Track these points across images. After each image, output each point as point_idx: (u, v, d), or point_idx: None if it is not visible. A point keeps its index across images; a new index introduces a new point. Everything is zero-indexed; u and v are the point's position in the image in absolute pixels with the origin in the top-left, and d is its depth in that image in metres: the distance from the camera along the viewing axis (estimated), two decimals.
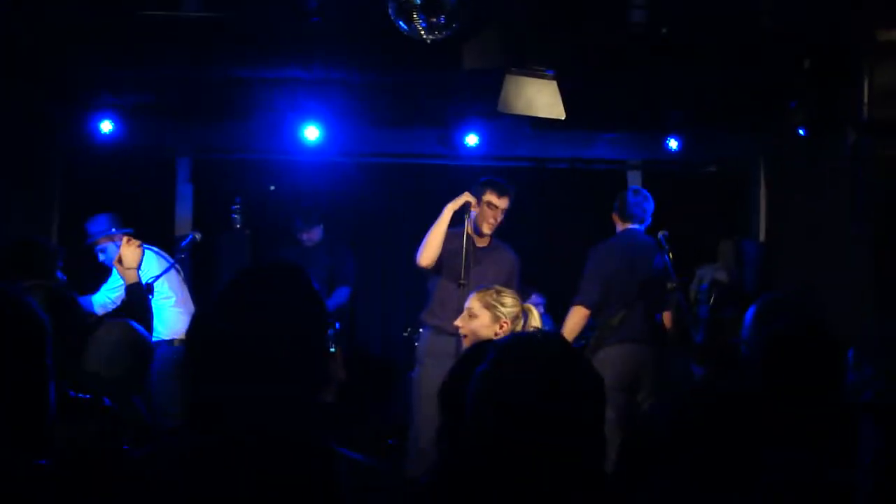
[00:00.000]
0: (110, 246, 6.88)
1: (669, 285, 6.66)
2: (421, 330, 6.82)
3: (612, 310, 6.67)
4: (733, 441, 2.16)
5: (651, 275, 6.72)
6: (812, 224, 7.66)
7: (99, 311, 6.91)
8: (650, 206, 6.95)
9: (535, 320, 4.89)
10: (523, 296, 8.08)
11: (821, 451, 2.66)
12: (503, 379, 2.09)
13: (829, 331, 3.22)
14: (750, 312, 4.05)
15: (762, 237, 8.71)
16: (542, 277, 8.57)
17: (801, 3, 5.92)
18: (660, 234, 6.86)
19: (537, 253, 9.10)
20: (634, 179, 9.27)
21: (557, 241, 9.05)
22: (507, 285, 5.87)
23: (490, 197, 6.47)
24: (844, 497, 2.58)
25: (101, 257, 7.06)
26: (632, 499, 2.25)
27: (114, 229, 6.99)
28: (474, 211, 6.44)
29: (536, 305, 8.33)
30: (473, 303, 4.84)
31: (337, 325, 8.11)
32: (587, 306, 6.63)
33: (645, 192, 7.02)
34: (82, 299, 7.00)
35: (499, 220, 6.53)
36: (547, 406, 2.04)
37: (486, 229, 6.51)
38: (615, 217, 6.94)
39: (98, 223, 7.05)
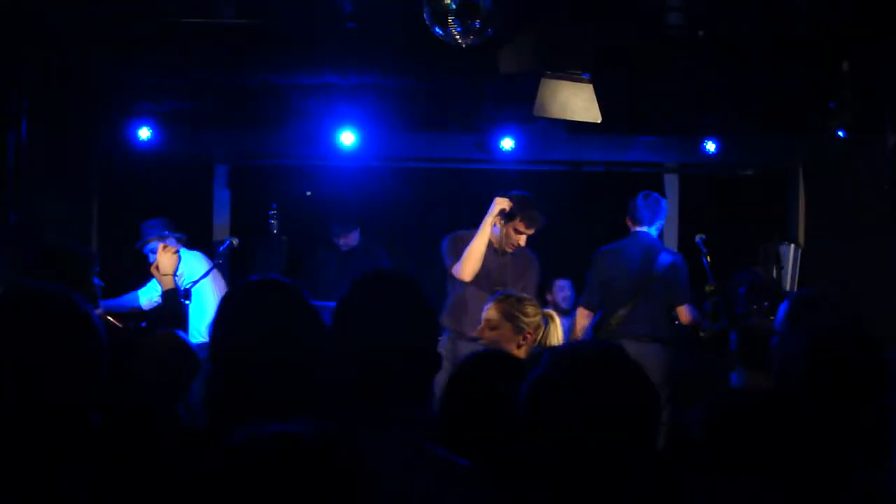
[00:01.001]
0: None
1: (707, 288, 6.72)
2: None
3: (613, 309, 6.83)
4: (774, 445, 2.13)
5: (654, 275, 6.78)
6: (852, 227, 7.59)
7: (145, 304, 7.11)
8: (659, 209, 7.01)
9: (557, 327, 4.76)
10: (546, 287, 8.08)
11: (859, 453, 2.62)
12: (558, 387, 2.07)
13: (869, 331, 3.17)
14: (783, 307, 4.01)
15: (801, 240, 8.63)
16: (579, 278, 8.53)
17: (839, 5, 5.86)
18: (697, 238, 6.90)
19: (573, 257, 9.08)
20: (671, 183, 9.23)
21: (593, 245, 9.00)
22: (525, 289, 5.92)
23: (519, 225, 6.43)
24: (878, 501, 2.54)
25: (152, 258, 7.12)
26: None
27: (166, 232, 7.06)
28: (508, 218, 6.41)
29: (562, 290, 8.41)
30: (492, 313, 4.64)
31: None
32: (587, 308, 6.95)
33: (655, 195, 7.06)
34: (129, 294, 7.10)
35: (522, 244, 6.48)
36: (600, 416, 2.02)
37: (508, 249, 6.46)
38: (627, 221, 7.03)
39: (153, 226, 7.12)
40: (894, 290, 6.76)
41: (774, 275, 8.32)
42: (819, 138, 7.80)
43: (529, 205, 6.46)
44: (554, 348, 2.19)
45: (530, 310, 4.67)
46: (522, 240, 6.46)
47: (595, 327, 6.96)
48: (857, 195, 7.48)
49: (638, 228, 6.97)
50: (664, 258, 6.85)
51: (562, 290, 8.69)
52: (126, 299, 7.14)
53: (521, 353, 4.51)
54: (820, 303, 4.03)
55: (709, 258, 6.85)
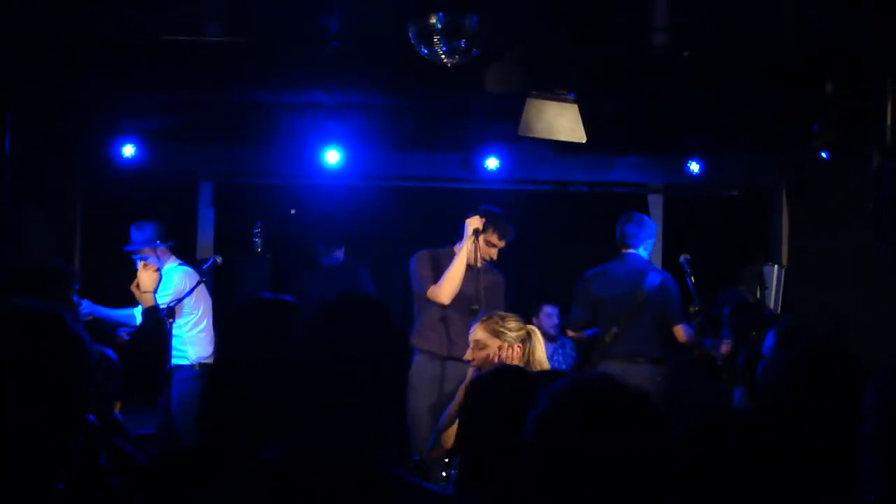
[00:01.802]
0: (151, 257, 6.90)
1: (692, 309, 6.73)
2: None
3: (605, 329, 6.88)
4: (754, 466, 2.12)
5: (642, 296, 6.82)
6: (835, 248, 7.61)
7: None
8: (645, 229, 7.03)
9: (539, 341, 4.84)
10: (533, 311, 8.13)
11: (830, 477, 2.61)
12: (559, 423, 2.05)
13: (853, 355, 3.18)
14: (771, 334, 4.03)
15: (784, 261, 8.65)
16: (561, 296, 8.54)
17: (823, 27, 5.90)
18: (682, 258, 6.91)
19: (559, 276, 9.08)
20: (655, 203, 9.25)
21: (578, 264, 9.00)
22: (498, 306, 6.00)
23: (492, 237, 6.42)
24: None
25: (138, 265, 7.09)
26: None
27: (158, 241, 7.01)
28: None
29: (550, 317, 8.41)
30: (479, 333, 4.77)
31: None
32: (572, 328, 7.15)
33: (640, 216, 7.10)
34: (126, 311, 7.04)
35: (494, 257, 6.48)
36: (605, 450, 2.00)
37: (479, 264, 6.41)
38: (616, 243, 7.08)
39: (143, 231, 7.06)
40: (877, 310, 6.77)
41: (758, 295, 8.34)
42: (802, 159, 7.83)
43: (501, 217, 6.47)
44: (555, 386, 2.15)
45: (513, 325, 4.79)
46: (495, 253, 6.46)
47: (590, 348, 7.06)
48: (841, 216, 7.50)
49: (626, 250, 7.01)
50: (652, 278, 6.88)
51: (549, 317, 8.64)
52: (122, 314, 7.05)
53: (517, 358, 4.67)
54: (805, 330, 4.05)
55: (693, 279, 6.86)
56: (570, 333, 7.30)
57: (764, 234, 9.05)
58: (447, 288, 6.35)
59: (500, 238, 6.44)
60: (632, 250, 6.99)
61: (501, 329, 4.74)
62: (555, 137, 6.67)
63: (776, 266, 8.47)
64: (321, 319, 2.28)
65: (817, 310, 7.61)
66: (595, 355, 6.98)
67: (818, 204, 8.04)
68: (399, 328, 2.33)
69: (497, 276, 6.59)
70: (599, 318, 6.94)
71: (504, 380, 2.89)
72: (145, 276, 5.35)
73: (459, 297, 6.37)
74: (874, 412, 2.45)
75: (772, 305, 8.31)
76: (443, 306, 6.39)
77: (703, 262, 7.20)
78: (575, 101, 6.57)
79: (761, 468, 2.10)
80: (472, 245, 6.37)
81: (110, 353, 4.15)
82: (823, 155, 7.21)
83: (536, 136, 6.66)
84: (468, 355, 4.85)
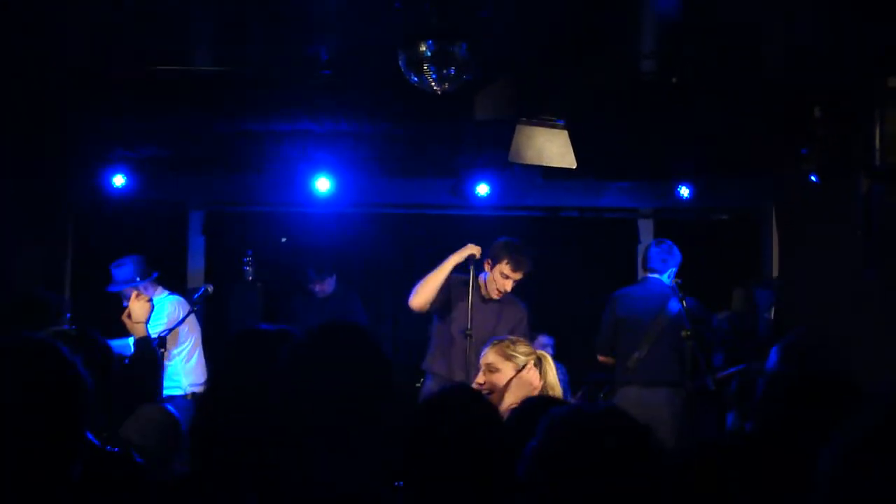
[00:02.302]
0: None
1: (684, 333, 6.73)
2: (424, 378, 6.76)
3: (627, 354, 6.88)
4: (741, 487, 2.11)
5: (665, 321, 6.87)
6: (825, 271, 7.63)
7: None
8: (672, 258, 7.09)
9: (551, 366, 4.83)
10: (530, 339, 8.14)
11: None
12: (558, 455, 2.03)
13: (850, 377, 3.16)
14: (773, 353, 4.03)
15: (775, 283, 8.66)
16: (554, 324, 8.55)
17: (811, 51, 5.93)
18: (673, 282, 6.92)
19: (549, 300, 9.09)
20: (646, 228, 9.27)
21: (569, 288, 9.03)
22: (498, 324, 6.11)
23: (505, 268, 6.33)
24: None
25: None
26: None
27: (138, 279, 6.97)
28: (478, 266, 6.40)
29: (545, 347, 8.37)
30: (491, 357, 4.71)
31: None
32: (600, 352, 7.07)
33: (669, 243, 7.16)
34: (119, 341, 7.00)
35: (509, 290, 6.39)
36: (603, 482, 1.98)
37: (495, 295, 6.38)
38: (641, 267, 7.12)
39: (124, 271, 7.00)
40: (867, 332, 6.78)
41: (749, 317, 8.35)
42: (792, 183, 7.86)
43: (516, 248, 6.37)
44: (551, 415, 2.12)
45: (523, 348, 4.75)
46: (509, 285, 6.36)
47: (613, 373, 7.09)
48: (830, 239, 7.52)
49: (649, 275, 7.07)
50: (674, 303, 6.89)
51: (544, 347, 8.59)
52: (116, 345, 7.01)
53: (536, 380, 4.63)
54: (804, 350, 4.05)
55: (684, 302, 6.87)
56: (602, 359, 7.19)
57: (754, 257, 9.07)
58: (418, 293, 6.33)
59: (514, 270, 6.33)
60: (656, 275, 7.03)
61: (512, 353, 4.69)
62: (545, 163, 6.68)
63: (767, 289, 8.48)
64: (304, 346, 2.29)
65: (807, 332, 7.61)
66: (616, 379, 6.99)
67: (807, 227, 8.06)
68: (384, 355, 2.33)
69: (520, 307, 6.55)
70: (620, 340, 6.95)
71: (455, 404, 2.79)
72: (137, 307, 5.32)
73: (458, 320, 6.37)
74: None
75: (763, 328, 8.32)
76: (446, 329, 6.39)
77: (695, 286, 7.22)
78: (565, 127, 6.59)
79: (754, 493, 2.09)
80: (487, 270, 6.35)
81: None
82: (812, 178, 7.23)
83: (526, 162, 6.68)
84: (479, 379, 4.82)
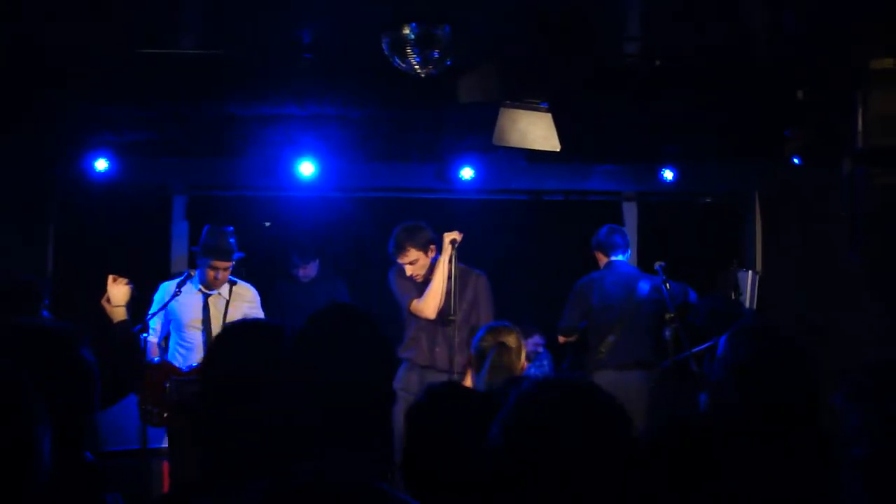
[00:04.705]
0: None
1: (667, 316, 6.78)
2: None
3: (600, 339, 7.00)
4: (699, 474, 2.10)
5: (637, 303, 6.94)
6: (808, 254, 7.66)
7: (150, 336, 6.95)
8: (627, 240, 7.40)
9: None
10: (525, 335, 8.20)
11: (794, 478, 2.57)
12: (527, 429, 2.02)
13: (807, 357, 3.11)
14: (722, 340, 4.03)
15: (759, 267, 8.70)
16: (538, 308, 8.56)
17: (794, 33, 5.94)
18: (657, 265, 6.96)
19: (532, 284, 9.12)
20: (630, 211, 9.28)
21: (553, 272, 9.03)
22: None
23: (433, 251, 6.60)
24: None
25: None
26: None
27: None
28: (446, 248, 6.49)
29: (537, 346, 8.33)
30: (513, 339, 4.92)
31: None
32: (565, 335, 7.26)
33: (620, 227, 7.46)
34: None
35: (412, 273, 6.58)
36: (570, 456, 1.98)
37: (419, 280, 6.57)
38: (598, 255, 7.20)
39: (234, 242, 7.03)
40: (850, 316, 6.82)
41: (733, 300, 8.39)
42: (775, 166, 7.88)
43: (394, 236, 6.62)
44: (521, 388, 2.13)
45: (511, 338, 4.93)
46: (409, 269, 6.56)
47: (585, 357, 7.21)
48: (813, 221, 7.55)
49: (612, 258, 7.12)
50: (644, 283, 6.99)
51: (535, 346, 8.53)
52: None
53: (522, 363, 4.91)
54: (762, 330, 4.05)
55: (667, 285, 6.90)
56: (561, 340, 7.33)
57: (738, 241, 9.09)
58: (431, 302, 6.42)
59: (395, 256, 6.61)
60: (619, 257, 7.12)
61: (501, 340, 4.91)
62: (529, 146, 6.69)
63: (750, 272, 8.51)
64: (309, 332, 2.27)
65: (791, 315, 7.65)
66: (589, 364, 7.04)
67: (791, 210, 8.09)
68: (387, 338, 2.32)
69: (475, 275, 6.62)
70: (592, 325, 7.00)
71: (447, 404, 2.84)
72: (115, 290, 5.30)
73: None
74: (865, 435, 2.37)
75: (746, 312, 8.35)
76: (425, 319, 6.45)
77: (678, 269, 7.25)
78: (548, 110, 6.59)
79: (713, 472, 2.08)
80: (450, 257, 6.41)
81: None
82: (796, 161, 7.25)
83: (511, 145, 6.68)
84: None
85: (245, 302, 6.91)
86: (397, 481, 2.58)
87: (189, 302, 6.91)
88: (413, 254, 6.48)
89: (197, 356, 6.77)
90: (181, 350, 6.94)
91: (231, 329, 2.64)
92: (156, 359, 6.86)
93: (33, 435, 1.97)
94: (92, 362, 2.30)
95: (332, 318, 2.29)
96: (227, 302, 6.92)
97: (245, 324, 2.74)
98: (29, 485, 1.94)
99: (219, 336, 2.62)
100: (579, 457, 1.94)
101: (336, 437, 2.13)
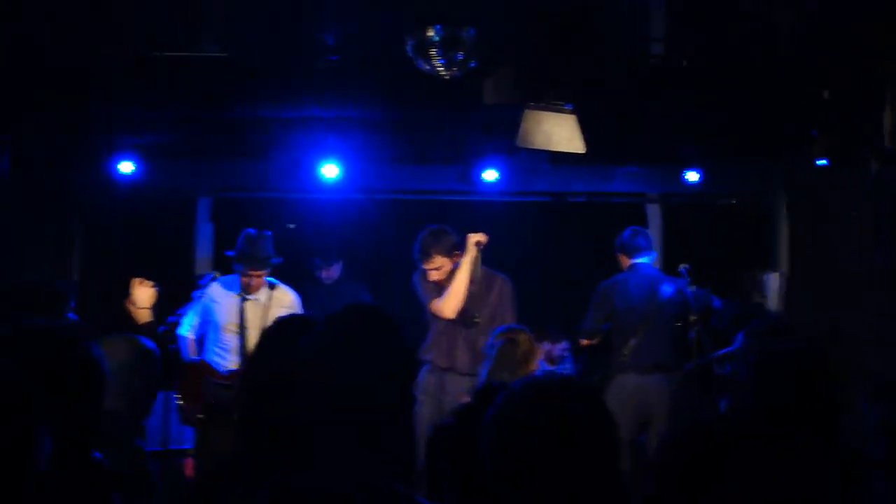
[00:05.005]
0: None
1: (692, 318, 6.75)
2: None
3: (623, 341, 6.94)
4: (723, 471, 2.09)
5: (659, 306, 6.91)
6: (835, 255, 7.60)
7: (186, 334, 6.99)
8: (650, 242, 7.33)
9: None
10: (553, 340, 8.19)
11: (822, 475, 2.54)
12: (511, 423, 2.02)
13: (832, 357, 3.08)
14: (739, 337, 4.00)
15: (785, 268, 8.64)
16: (560, 310, 8.52)
17: (821, 34, 5.90)
18: (681, 268, 6.92)
19: (555, 286, 9.08)
20: (654, 212, 9.24)
21: (576, 274, 9.00)
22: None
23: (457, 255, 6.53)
24: None
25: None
26: None
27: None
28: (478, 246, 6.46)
29: (565, 351, 8.29)
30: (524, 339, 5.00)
31: None
32: (588, 337, 7.18)
33: (644, 230, 7.40)
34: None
35: (434, 279, 6.52)
36: (556, 449, 1.97)
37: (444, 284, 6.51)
38: (621, 257, 7.17)
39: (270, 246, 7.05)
40: (877, 318, 6.76)
41: (759, 303, 8.34)
42: (801, 167, 7.83)
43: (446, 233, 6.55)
44: (508, 387, 2.13)
45: (523, 337, 5.06)
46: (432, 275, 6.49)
47: (608, 360, 7.15)
48: (840, 223, 7.49)
49: (636, 261, 7.08)
50: (667, 286, 6.96)
51: (561, 351, 8.47)
52: None
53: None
54: (771, 330, 4.02)
55: (692, 287, 6.87)
56: (584, 342, 7.29)
57: (763, 242, 9.03)
58: (452, 303, 6.38)
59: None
60: (642, 260, 7.08)
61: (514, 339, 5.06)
62: (553, 148, 6.66)
63: (776, 274, 8.46)
64: (329, 331, 2.26)
65: (816, 317, 7.60)
66: (612, 367, 7.02)
67: (817, 211, 8.04)
68: (407, 339, 2.31)
69: (501, 281, 6.60)
70: (615, 328, 6.97)
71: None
72: (140, 292, 5.32)
73: (460, 311, 6.40)
74: (885, 435, 2.36)
75: (770, 314, 8.30)
76: (450, 321, 6.42)
77: (703, 272, 7.21)
78: (573, 112, 6.57)
79: (726, 476, 2.06)
80: (475, 259, 6.39)
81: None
82: (822, 162, 7.20)
83: (535, 147, 6.66)
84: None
85: (284, 307, 6.88)
86: (419, 484, 2.57)
87: (226, 304, 6.92)
88: (438, 260, 6.45)
89: (233, 359, 6.78)
90: (218, 352, 6.96)
91: (277, 325, 2.64)
92: (195, 357, 6.90)
93: (33, 435, 1.97)
94: (97, 361, 2.29)
95: (349, 319, 2.28)
96: (265, 306, 6.92)
97: (293, 319, 2.73)
98: (28, 484, 1.95)
99: (265, 331, 2.62)
100: (557, 456, 1.94)
101: (352, 438, 2.12)
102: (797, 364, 2.98)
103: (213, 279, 6.88)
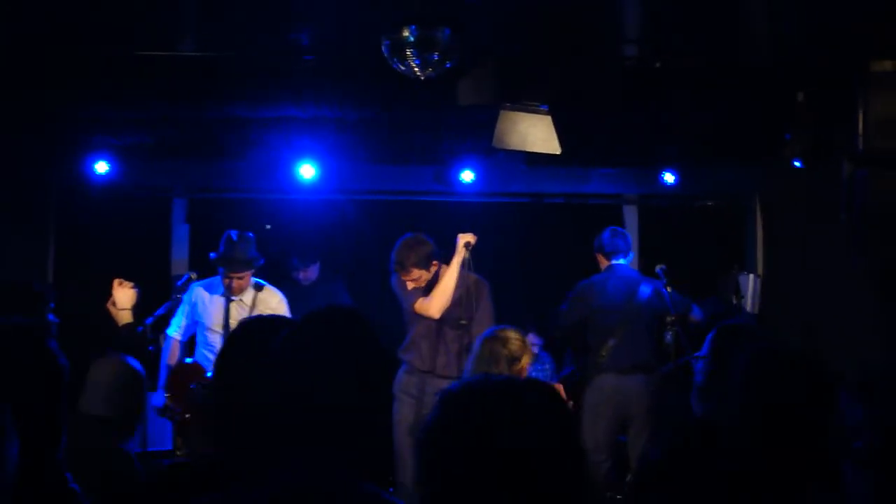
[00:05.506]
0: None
1: (668, 318, 6.78)
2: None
3: (601, 342, 6.97)
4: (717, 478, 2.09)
5: (638, 306, 6.93)
6: (810, 256, 7.64)
7: (173, 335, 7.05)
8: (628, 243, 7.37)
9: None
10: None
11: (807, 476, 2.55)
12: (449, 427, 1.97)
13: (819, 360, 3.10)
14: (706, 342, 4.00)
15: (760, 270, 8.69)
16: (538, 311, 8.54)
17: (795, 36, 5.93)
18: (658, 268, 6.96)
19: (532, 287, 9.10)
20: (630, 214, 9.27)
21: (553, 275, 9.02)
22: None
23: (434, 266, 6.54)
24: None
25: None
26: None
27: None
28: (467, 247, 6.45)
29: (533, 346, 8.31)
30: (484, 351, 5.00)
31: None
32: (560, 332, 7.36)
33: (622, 230, 7.43)
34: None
35: (413, 286, 6.52)
36: (493, 460, 1.91)
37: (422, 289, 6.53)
38: (599, 258, 7.18)
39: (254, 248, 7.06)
40: (852, 317, 6.80)
41: (735, 304, 8.38)
42: (776, 168, 7.87)
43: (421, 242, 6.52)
44: (446, 389, 2.06)
45: (513, 337, 5.12)
46: (410, 283, 6.50)
47: (585, 361, 7.21)
48: (814, 224, 7.53)
49: (613, 262, 7.10)
50: (645, 287, 6.98)
51: (532, 346, 8.49)
52: None
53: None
54: (743, 334, 4.03)
55: (669, 288, 6.90)
56: (555, 337, 7.34)
57: (739, 244, 9.08)
58: (438, 302, 6.37)
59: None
60: (620, 261, 7.11)
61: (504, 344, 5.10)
62: (529, 149, 6.66)
63: (752, 275, 8.50)
64: (305, 331, 2.25)
65: (792, 318, 7.65)
66: (590, 368, 7.03)
67: (792, 212, 8.08)
68: (382, 341, 2.31)
69: (480, 283, 6.59)
70: (593, 328, 6.98)
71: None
72: (121, 294, 5.32)
73: (447, 312, 6.39)
74: (868, 429, 2.37)
75: (748, 315, 8.34)
76: (429, 320, 6.40)
77: (679, 273, 7.24)
78: (548, 113, 6.58)
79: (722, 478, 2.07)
80: (464, 260, 6.38)
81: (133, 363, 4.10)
82: (796, 163, 7.24)
83: (510, 147, 6.67)
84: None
85: (269, 308, 6.87)
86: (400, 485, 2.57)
87: (212, 306, 6.92)
88: (416, 273, 6.42)
89: None
90: (206, 353, 6.97)
91: (244, 325, 2.64)
92: (188, 359, 6.90)
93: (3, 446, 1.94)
94: (58, 358, 2.25)
95: (324, 318, 2.28)
96: (251, 308, 6.91)
97: (260, 320, 2.72)
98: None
99: (233, 332, 2.62)
100: (505, 458, 1.88)
101: (324, 438, 2.11)
102: (793, 366, 2.99)
103: (190, 280, 6.87)
